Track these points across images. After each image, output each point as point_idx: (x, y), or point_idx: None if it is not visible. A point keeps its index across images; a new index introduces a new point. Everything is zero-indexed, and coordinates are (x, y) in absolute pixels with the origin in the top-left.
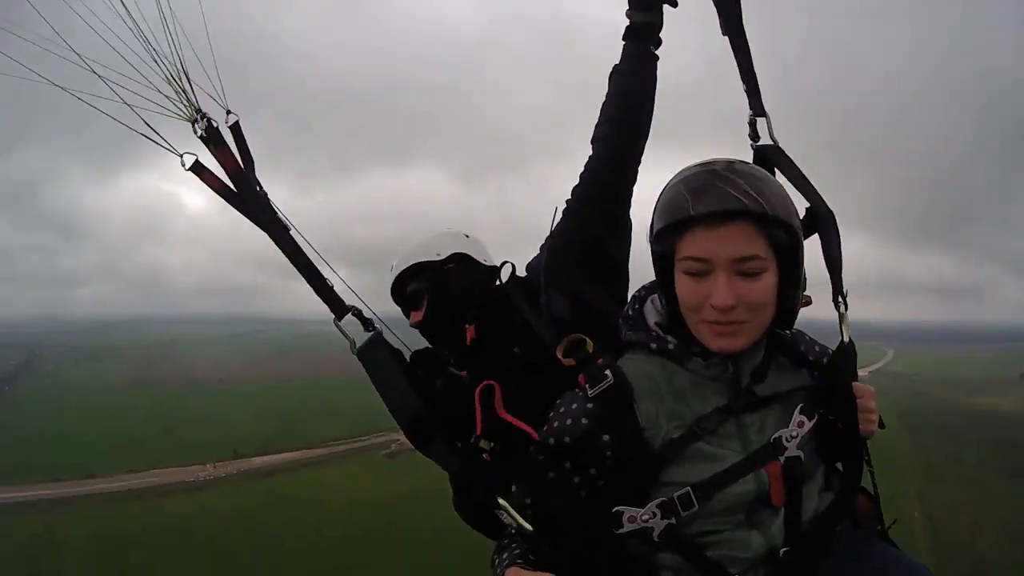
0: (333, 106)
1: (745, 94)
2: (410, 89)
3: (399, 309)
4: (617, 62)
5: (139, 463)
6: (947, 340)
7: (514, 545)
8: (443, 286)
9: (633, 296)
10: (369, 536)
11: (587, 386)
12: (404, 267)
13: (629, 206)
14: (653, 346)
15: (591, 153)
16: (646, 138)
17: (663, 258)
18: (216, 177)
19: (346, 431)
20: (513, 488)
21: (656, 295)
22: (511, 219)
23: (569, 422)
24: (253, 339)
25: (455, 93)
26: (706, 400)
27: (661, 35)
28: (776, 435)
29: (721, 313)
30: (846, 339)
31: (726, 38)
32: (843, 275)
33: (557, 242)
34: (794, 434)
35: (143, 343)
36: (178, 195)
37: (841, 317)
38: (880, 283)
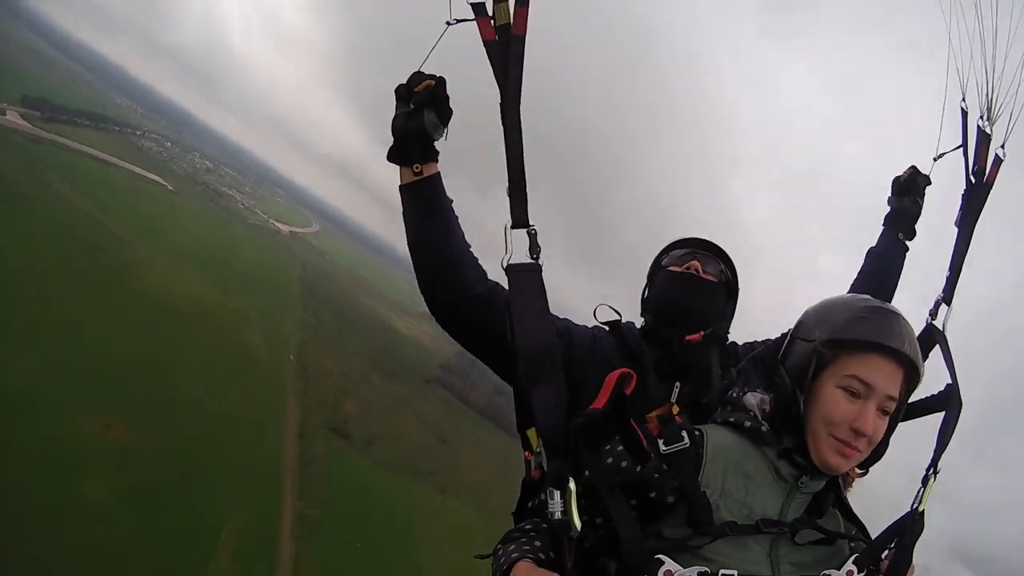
0: None
1: (945, 279)
2: None
3: None
4: (873, 244)
5: None
6: (382, 255)
7: (523, 540)
8: (732, 310)
9: (737, 386)
10: None
11: (660, 441)
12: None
13: None
14: (747, 424)
15: None
16: None
17: (820, 361)
18: (491, 26)
19: None
20: (583, 480)
21: (755, 392)
22: None
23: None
24: None
25: None
26: (764, 490)
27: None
28: (826, 572)
29: (855, 437)
30: (921, 508)
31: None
32: None
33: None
34: None
35: None
36: None
37: (926, 488)
38: None
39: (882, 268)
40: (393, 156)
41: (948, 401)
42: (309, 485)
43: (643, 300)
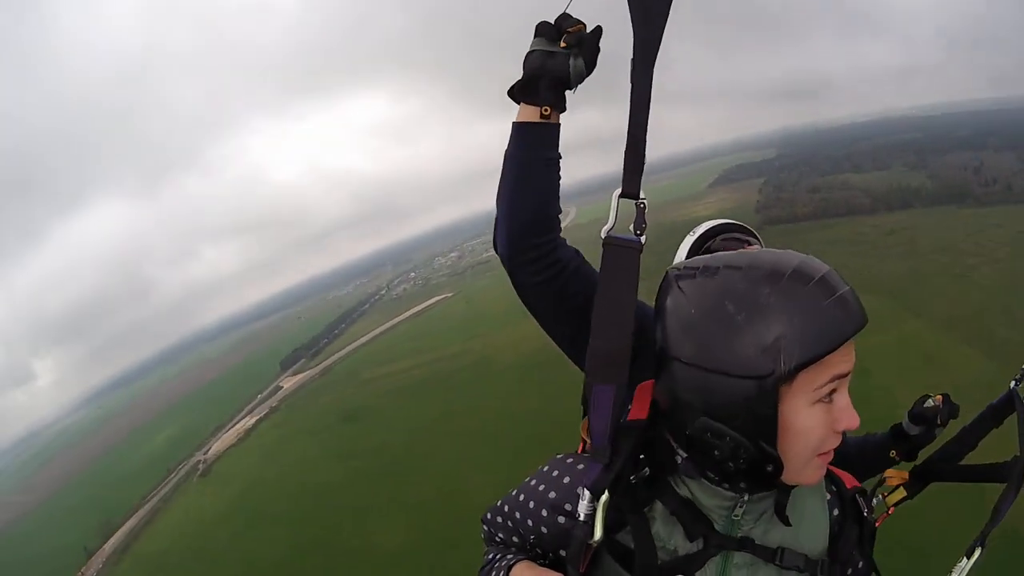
0: None
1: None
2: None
3: None
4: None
5: None
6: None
7: (499, 556)
8: None
9: None
10: None
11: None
12: None
13: None
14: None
15: None
16: None
17: (780, 392)
18: None
19: None
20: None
21: None
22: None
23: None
24: None
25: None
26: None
27: None
28: None
29: (838, 437)
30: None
31: None
32: None
33: None
34: None
35: None
36: None
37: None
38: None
39: (855, 456)
40: (521, 92)
41: (1012, 407)
42: None
43: None
